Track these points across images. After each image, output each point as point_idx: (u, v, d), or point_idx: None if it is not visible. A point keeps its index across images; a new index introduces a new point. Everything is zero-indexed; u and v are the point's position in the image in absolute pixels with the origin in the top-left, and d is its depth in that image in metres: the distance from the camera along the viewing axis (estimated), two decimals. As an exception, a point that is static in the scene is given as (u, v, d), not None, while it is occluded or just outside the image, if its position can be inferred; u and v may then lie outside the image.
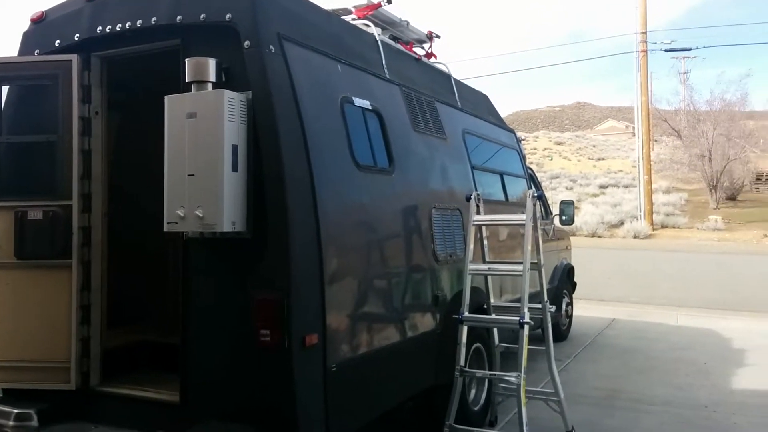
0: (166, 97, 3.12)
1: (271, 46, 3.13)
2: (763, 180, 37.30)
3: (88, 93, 3.71)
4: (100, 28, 3.57)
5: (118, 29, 3.49)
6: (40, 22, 3.84)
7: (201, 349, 3.24)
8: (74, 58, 3.64)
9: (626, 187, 37.53)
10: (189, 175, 3.04)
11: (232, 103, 3.00)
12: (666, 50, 28.87)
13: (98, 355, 3.73)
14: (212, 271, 3.25)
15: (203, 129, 3.00)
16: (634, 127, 33.31)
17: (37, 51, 3.80)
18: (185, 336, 3.28)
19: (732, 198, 33.57)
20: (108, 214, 3.87)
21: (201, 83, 3.07)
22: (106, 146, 3.84)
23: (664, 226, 27.71)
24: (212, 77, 3.08)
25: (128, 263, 4.52)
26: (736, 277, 14.53)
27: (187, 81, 3.10)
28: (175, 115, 3.07)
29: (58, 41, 3.73)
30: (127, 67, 3.88)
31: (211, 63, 3.08)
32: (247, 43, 3.10)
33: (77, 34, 3.66)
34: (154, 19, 3.39)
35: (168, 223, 3.11)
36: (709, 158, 31.86)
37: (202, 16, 3.25)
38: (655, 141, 36.43)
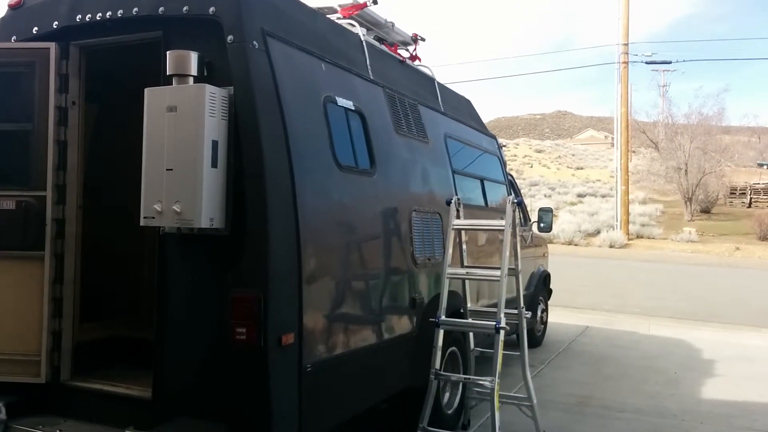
0: (145, 90, 3.07)
1: (254, 42, 3.10)
2: (737, 194, 38.09)
3: (66, 83, 3.64)
4: (79, 16, 3.50)
5: (98, 18, 3.43)
6: (17, 8, 3.76)
7: (175, 345, 3.20)
8: (52, 46, 3.57)
9: (603, 196, 38.08)
10: (167, 170, 3.00)
11: (214, 98, 2.96)
12: (647, 62, 29.44)
13: (70, 349, 3.66)
14: (189, 268, 3.21)
15: (183, 123, 2.96)
16: (613, 138, 33.79)
17: (14, 38, 3.72)
18: (159, 332, 3.23)
19: (706, 211, 34.24)
20: (83, 206, 3.80)
21: (182, 77, 3.03)
22: (82, 138, 3.77)
23: (639, 237, 28.16)
24: (194, 71, 3.04)
25: (103, 257, 4.45)
26: (708, 289, 14.81)
27: (167, 74, 3.06)
28: (155, 109, 3.03)
29: (36, 28, 3.66)
30: (106, 58, 3.82)
31: (193, 56, 3.04)
32: (230, 37, 3.07)
33: (56, 22, 3.59)
34: (135, 9, 3.34)
35: (144, 218, 3.06)
36: (685, 171, 32.46)
37: (185, 8, 3.20)
38: (634, 152, 37.01)
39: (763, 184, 40.06)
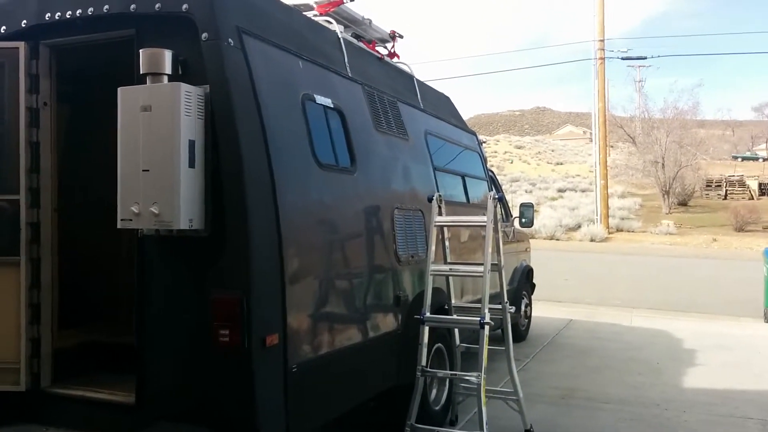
0: (119, 89, 3.01)
1: (229, 39, 3.05)
2: (713, 186, 38.77)
3: (36, 83, 3.56)
4: (48, 14, 3.42)
5: (69, 16, 3.35)
6: (-16, 7, 3.66)
7: (157, 349, 3.15)
8: (21, 45, 3.49)
9: (583, 191, 38.47)
10: (144, 171, 2.94)
11: (189, 96, 2.91)
12: (622, 58, 29.78)
13: (49, 355, 3.60)
14: (168, 270, 3.16)
15: (158, 123, 2.91)
16: (591, 133, 34.15)
17: (-19, 38, 3.62)
18: (140, 336, 3.18)
19: (683, 203, 34.79)
20: (59, 209, 3.72)
21: (156, 75, 2.97)
22: (55, 139, 3.70)
23: (619, 230, 28.51)
24: (168, 69, 2.98)
25: (81, 261, 4.36)
26: (687, 280, 15.04)
27: (141, 73, 3.00)
28: (129, 108, 2.97)
29: (3, 27, 3.57)
30: (78, 57, 3.73)
31: (167, 55, 2.99)
32: (204, 35, 3.02)
33: (24, 21, 3.50)
34: (106, 7, 3.27)
35: (122, 220, 3.00)
36: (662, 164, 32.95)
37: (157, 5, 3.14)
38: (612, 147, 37.42)
39: (737, 176, 40.85)
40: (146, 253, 3.18)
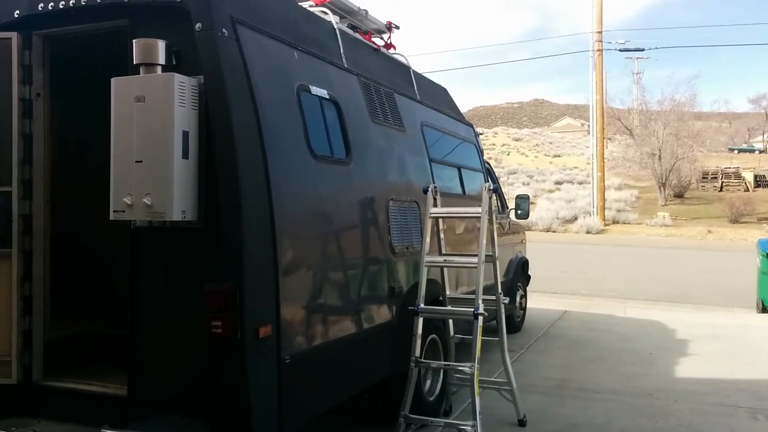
0: (112, 80, 2.99)
1: (224, 30, 3.03)
2: (709, 178, 38.85)
3: (30, 74, 3.53)
4: (41, 5, 3.39)
5: (62, 7, 3.33)
6: (-24, -3, 3.62)
7: (150, 341, 3.15)
8: (14, 36, 3.45)
9: (580, 183, 38.54)
10: (137, 162, 2.93)
11: (183, 87, 2.90)
12: (620, 50, 29.79)
13: (41, 348, 3.58)
14: (162, 261, 3.16)
15: (152, 114, 2.89)
16: (589, 125, 34.15)
17: (-27, 28, 3.59)
18: (133, 328, 3.18)
19: (679, 195, 34.88)
20: (51, 201, 3.70)
21: (150, 66, 2.96)
22: (48, 130, 3.67)
23: (615, 222, 28.61)
24: (161, 60, 2.97)
25: (74, 252, 4.35)
26: (682, 271, 15.12)
27: (134, 63, 2.99)
28: (122, 99, 2.95)
29: (-4, 18, 3.54)
30: (71, 48, 3.71)
31: (161, 45, 2.97)
32: (198, 25, 2.99)
33: (17, 11, 3.47)
34: (99, -4, 3.24)
35: (114, 211, 2.99)
36: (659, 156, 33.01)
37: None
38: (609, 139, 37.48)
39: (733, 168, 40.94)
40: (139, 244, 3.17)
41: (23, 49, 3.50)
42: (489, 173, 7.19)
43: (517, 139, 62.51)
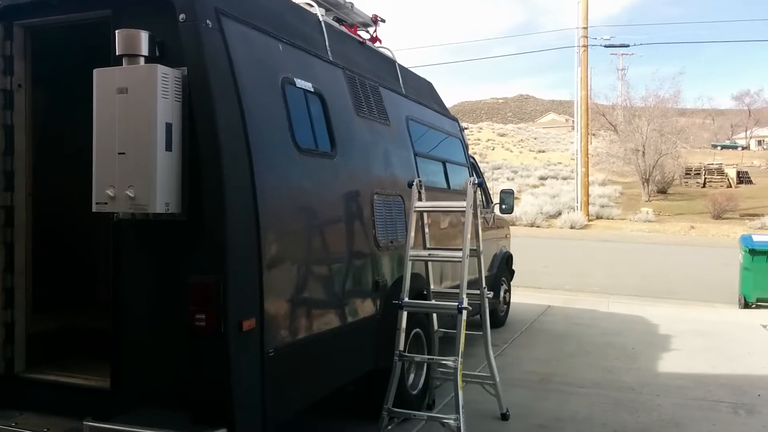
0: (95, 71, 2.96)
1: (208, 21, 3.01)
2: (692, 174, 39.30)
3: (11, 64, 3.48)
4: (23, -6, 3.34)
5: (43, -4, 3.28)
6: (-46, -15, 3.56)
7: (133, 334, 3.13)
8: (-6, 25, 3.41)
9: (565, 179, 38.78)
10: (119, 153, 2.90)
11: (166, 78, 2.87)
12: (605, 46, 29.93)
13: (23, 340, 3.56)
14: (144, 254, 3.13)
15: (134, 105, 2.87)
16: (573, 121, 34.36)
17: (-48, 17, 3.53)
18: (116, 321, 3.15)
19: (663, 191, 35.23)
20: (33, 193, 3.66)
21: (132, 57, 2.92)
22: (30, 122, 3.63)
23: (599, 217, 28.84)
24: (145, 51, 2.93)
25: (57, 245, 4.31)
26: (665, 267, 15.30)
27: (117, 54, 2.95)
28: (105, 90, 2.92)
29: (-24, 7, 3.48)
30: (53, 38, 3.66)
31: (144, 36, 2.94)
32: (182, 16, 2.97)
33: (-2, 0, 3.42)
34: (82, -14, 3.20)
35: (97, 204, 2.96)
36: (643, 152, 33.29)
37: None
38: (593, 135, 37.73)
39: (716, 164, 41.44)
40: (122, 236, 3.14)
41: (4, 39, 3.45)
42: (474, 168, 7.23)
43: (502, 135, 62.71)
